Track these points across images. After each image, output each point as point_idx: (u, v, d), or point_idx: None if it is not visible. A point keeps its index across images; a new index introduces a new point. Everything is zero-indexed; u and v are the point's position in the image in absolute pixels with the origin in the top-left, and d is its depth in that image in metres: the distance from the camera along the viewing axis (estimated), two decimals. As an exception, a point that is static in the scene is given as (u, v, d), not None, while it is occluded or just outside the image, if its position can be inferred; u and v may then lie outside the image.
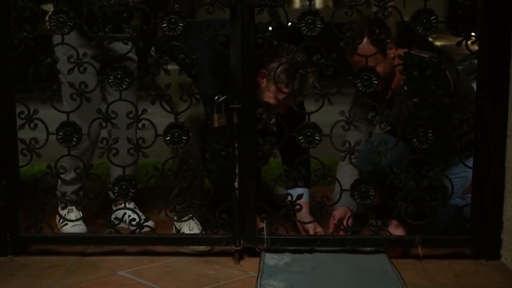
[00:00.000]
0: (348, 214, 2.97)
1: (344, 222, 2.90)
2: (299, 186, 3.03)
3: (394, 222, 2.91)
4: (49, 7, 3.08)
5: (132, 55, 3.11)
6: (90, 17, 2.67)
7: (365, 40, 2.90)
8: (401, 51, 2.98)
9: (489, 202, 2.74)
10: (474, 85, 2.97)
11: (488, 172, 2.73)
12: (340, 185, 2.82)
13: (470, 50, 2.73)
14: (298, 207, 2.83)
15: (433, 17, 2.63)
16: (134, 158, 2.83)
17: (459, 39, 2.65)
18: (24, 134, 2.75)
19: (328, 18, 2.65)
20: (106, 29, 2.67)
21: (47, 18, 2.74)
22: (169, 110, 2.86)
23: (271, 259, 2.73)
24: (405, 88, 2.75)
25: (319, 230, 3.04)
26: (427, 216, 2.78)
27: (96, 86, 2.84)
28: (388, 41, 2.87)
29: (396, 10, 2.75)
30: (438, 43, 12.97)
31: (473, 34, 2.67)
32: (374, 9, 2.70)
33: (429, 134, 2.70)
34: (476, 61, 2.84)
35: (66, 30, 2.68)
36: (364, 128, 3.07)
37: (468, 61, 9.18)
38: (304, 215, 3.04)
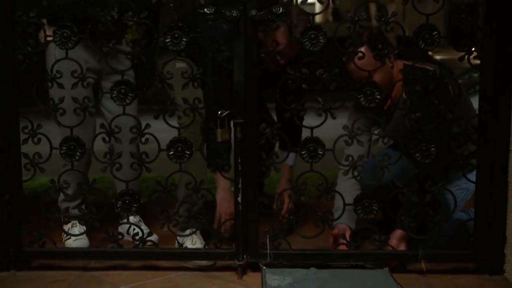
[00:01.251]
0: (348, 232, 2.97)
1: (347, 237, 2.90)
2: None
3: (396, 234, 2.90)
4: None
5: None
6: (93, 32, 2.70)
7: (364, 50, 2.89)
8: (400, 63, 3.00)
9: (492, 217, 2.74)
10: (474, 99, 2.98)
11: (491, 186, 2.73)
12: (343, 199, 2.82)
13: (472, 65, 2.74)
14: None
15: (435, 32, 2.65)
16: (137, 173, 2.83)
17: (460, 53, 2.67)
18: (26, 148, 2.76)
19: (328, 31, 2.66)
20: (110, 44, 2.69)
21: (49, 33, 2.75)
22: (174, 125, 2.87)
23: (272, 279, 2.69)
24: (408, 102, 2.77)
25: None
26: (430, 231, 2.78)
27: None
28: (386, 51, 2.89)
29: (398, 25, 2.75)
30: (437, 57, 13.04)
31: (473, 49, 2.68)
32: (375, 22, 2.72)
33: (432, 149, 2.71)
34: (476, 75, 2.86)
35: (70, 45, 2.69)
36: (365, 141, 3.08)
37: (467, 75, 9.23)
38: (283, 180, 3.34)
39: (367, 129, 3.06)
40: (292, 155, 3.37)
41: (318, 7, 2.76)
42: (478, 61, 2.72)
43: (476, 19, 2.68)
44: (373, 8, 12.66)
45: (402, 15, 16.49)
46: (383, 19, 2.65)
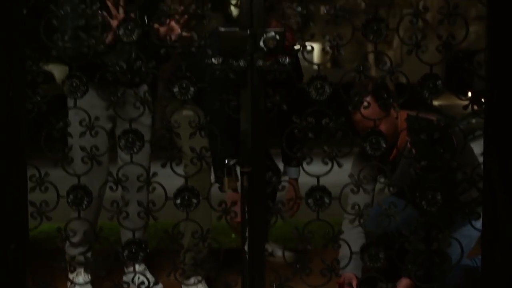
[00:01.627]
0: (354, 280, 2.96)
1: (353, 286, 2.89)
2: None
3: (403, 283, 2.89)
4: (53, 67, 3.14)
5: (145, 118, 3.14)
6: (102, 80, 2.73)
7: (369, 99, 2.93)
8: (403, 113, 3.03)
9: (500, 265, 2.73)
10: (473, 145, 3.01)
11: (498, 235, 2.73)
12: (350, 248, 2.82)
13: (477, 113, 2.76)
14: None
15: (439, 81, 2.69)
16: (143, 221, 2.83)
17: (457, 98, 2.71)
18: (33, 195, 2.75)
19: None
20: (119, 94, 2.72)
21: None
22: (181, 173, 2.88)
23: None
24: (413, 151, 2.79)
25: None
26: (436, 279, 2.77)
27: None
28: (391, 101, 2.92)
29: (402, 74, 2.79)
30: (435, 103, 13.11)
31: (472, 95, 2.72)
32: (374, 70, 2.76)
33: (438, 197, 2.72)
34: (474, 120, 2.89)
35: (78, 94, 2.72)
36: (370, 189, 3.10)
37: (466, 120, 9.28)
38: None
39: (372, 177, 3.09)
40: (295, 169, 3.61)
41: (316, 53, 2.78)
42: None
43: (479, 67, 2.71)
44: (371, 56, 12.81)
45: (399, 62, 16.72)
46: (388, 69, 2.69)
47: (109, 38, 2.97)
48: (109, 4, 3.06)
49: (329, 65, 20.89)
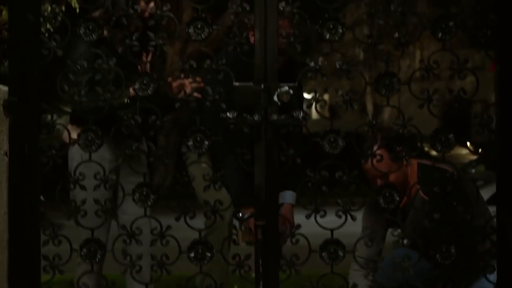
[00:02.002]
0: None
1: None
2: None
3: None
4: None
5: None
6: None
7: (380, 151, 2.96)
8: (414, 161, 3.05)
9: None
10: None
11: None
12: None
13: (488, 166, 2.79)
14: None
15: (451, 135, 2.72)
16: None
17: (466, 149, 2.74)
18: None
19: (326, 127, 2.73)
20: (133, 147, 2.74)
21: (74, 136, 2.80)
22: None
23: None
24: (426, 199, 2.81)
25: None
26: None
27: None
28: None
29: (415, 127, 2.82)
30: (434, 153, 13.20)
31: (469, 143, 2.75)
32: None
33: (452, 250, 2.72)
34: (473, 170, 2.92)
35: (93, 148, 2.74)
36: (380, 239, 3.11)
37: (465, 171, 9.35)
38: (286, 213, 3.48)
39: (383, 228, 3.09)
40: (291, 193, 3.55)
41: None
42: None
43: (491, 123, 2.74)
44: (369, 107, 12.92)
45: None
46: (400, 123, 2.72)
47: (132, 92, 3.01)
48: (144, 59, 3.14)
49: (327, 114, 21.11)
